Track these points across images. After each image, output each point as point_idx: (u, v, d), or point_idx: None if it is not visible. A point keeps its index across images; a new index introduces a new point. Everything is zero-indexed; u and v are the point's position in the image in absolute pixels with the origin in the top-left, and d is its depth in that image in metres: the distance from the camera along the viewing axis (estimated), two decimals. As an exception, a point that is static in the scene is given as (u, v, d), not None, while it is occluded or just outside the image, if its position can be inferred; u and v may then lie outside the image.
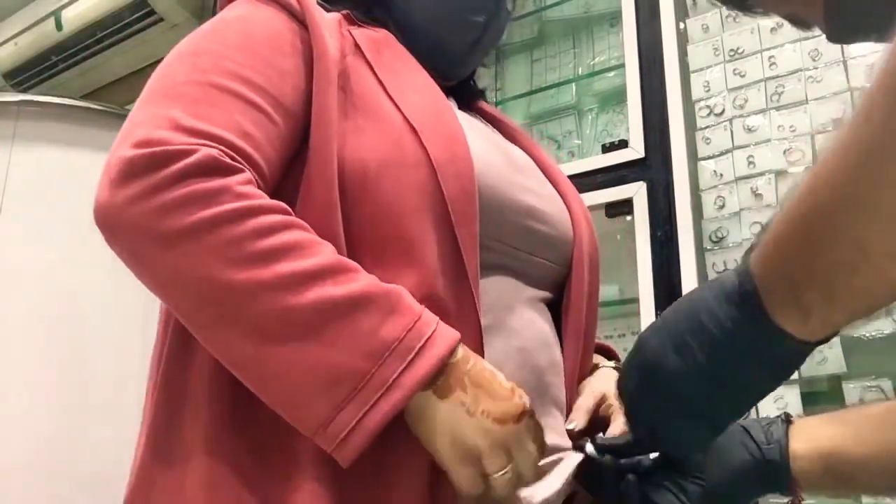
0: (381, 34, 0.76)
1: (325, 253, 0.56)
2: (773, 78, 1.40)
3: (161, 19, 2.25)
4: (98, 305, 1.52)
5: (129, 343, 1.54)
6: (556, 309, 0.75)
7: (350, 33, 0.72)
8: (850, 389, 1.18)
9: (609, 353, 0.86)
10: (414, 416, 0.56)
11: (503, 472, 0.56)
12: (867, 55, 1.31)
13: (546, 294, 0.74)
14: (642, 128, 1.52)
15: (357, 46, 0.71)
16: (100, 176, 0.57)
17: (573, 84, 1.84)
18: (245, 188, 0.56)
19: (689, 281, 1.35)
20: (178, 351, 0.62)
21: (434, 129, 0.64)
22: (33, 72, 2.57)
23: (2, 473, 1.37)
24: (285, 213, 0.57)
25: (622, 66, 1.62)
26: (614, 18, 1.78)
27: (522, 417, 0.56)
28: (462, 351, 0.57)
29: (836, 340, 1.20)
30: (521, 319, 0.68)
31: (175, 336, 0.63)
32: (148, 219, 0.53)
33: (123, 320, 1.55)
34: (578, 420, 0.71)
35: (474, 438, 0.55)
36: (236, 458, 0.57)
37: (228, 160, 0.56)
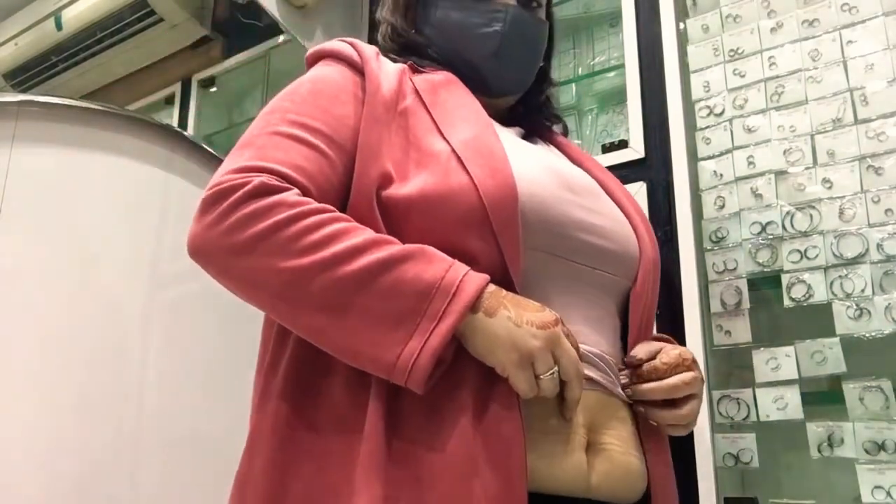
0: (442, 76, 0.87)
1: (368, 232, 0.70)
2: (773, 78, 1.40)
3: (161, 19, 2.24)
4: (98, 306, 1.52)
5: (130, 344, 1.54)
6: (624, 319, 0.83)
7: (412, 80, 0.84)
8: (850, 389, 1.18)
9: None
10: (469, 336, 0.68)
11: (550, 371, 0.67)
12: (867, 55, 1.31)
13: (612, 306, 0.81)
14: (642, 128, 1.52)
15: (416, 91, 0.83)
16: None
17: (573, 84, 1.84)
18: (296, 199, 0.69)
19: (689, 281, 1.35)
20: (307, 356, 0.73)
21: (477, 154, 0.74)
22: (33, 72, 2.57)
23: (1, 473, 1.37)
24: (331, 211, 0.70)
25: (622, 66, 1.62)
26: (614, 18, 1.78)
27: (558, 323, 0.69)
28: (494, 285, 0.69)
29: (835, 340, 1.20)
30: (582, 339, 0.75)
31: (300, 345, 0.74)
32: (221, 238, 0.69)
33: (124, 321, 1.55)
34: (639, 352, 0.80)
35: (527, 343, 0.66)
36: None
37: (278, 183, 0.70)
